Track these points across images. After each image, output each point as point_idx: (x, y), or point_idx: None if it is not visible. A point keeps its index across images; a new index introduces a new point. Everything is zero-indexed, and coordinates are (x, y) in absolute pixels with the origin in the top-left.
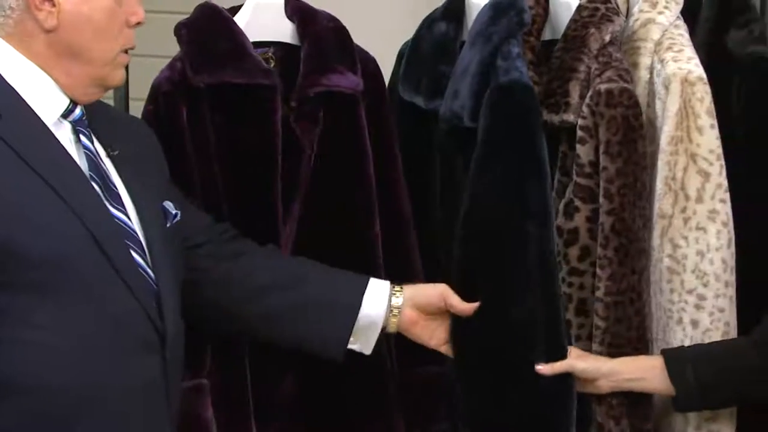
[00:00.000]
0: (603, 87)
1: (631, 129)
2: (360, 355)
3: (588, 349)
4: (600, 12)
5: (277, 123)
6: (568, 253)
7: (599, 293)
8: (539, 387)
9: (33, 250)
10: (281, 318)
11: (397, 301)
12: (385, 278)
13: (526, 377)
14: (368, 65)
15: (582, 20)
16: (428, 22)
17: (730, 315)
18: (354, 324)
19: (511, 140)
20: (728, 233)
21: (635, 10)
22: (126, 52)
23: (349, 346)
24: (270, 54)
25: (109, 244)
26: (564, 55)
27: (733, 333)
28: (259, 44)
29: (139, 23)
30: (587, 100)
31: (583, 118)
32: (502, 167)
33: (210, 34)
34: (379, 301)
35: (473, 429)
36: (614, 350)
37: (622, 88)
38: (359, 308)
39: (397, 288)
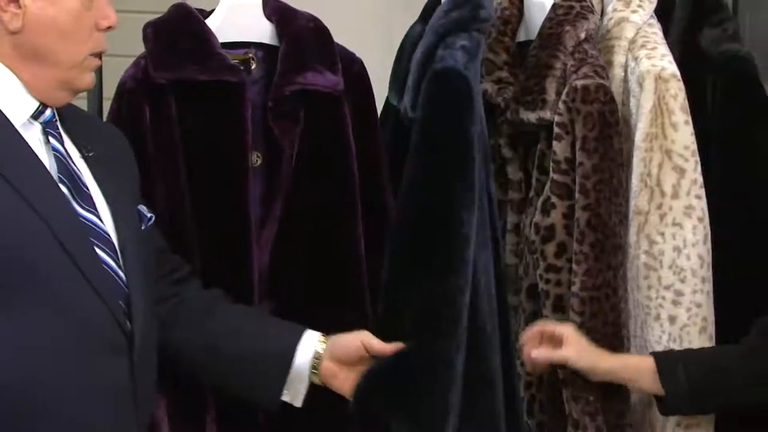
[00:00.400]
0: (579, 83)
1: (608, 125)
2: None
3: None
4: (575, 10)
5: (247, 121)
6: (545, 250)
7: (575, 288)
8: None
9: None
10: (215, 372)
11: (319, 352)
12: (368, 279)
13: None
14: (353, 66)
15: (557, 18)
16: (412, 25)
17: (708, 310)
18: (287, 376)
19: (442, 128)
20: (704, 229)
21: (609, 9)
22: (99, 56)
23: (282, 398)
24: (251, 55)
25: (74, 245)
26: (540, 53)
27: (710, 329)
28: (239, 45)
29: (110, 27)
30: (563, 96)
31: (559, 114)
32: (432, 156)
33: (176, 33)
34: (306, 352)
35: None
36: None
37: (598, 84)
38: (292, 360)
39: (322, 338)
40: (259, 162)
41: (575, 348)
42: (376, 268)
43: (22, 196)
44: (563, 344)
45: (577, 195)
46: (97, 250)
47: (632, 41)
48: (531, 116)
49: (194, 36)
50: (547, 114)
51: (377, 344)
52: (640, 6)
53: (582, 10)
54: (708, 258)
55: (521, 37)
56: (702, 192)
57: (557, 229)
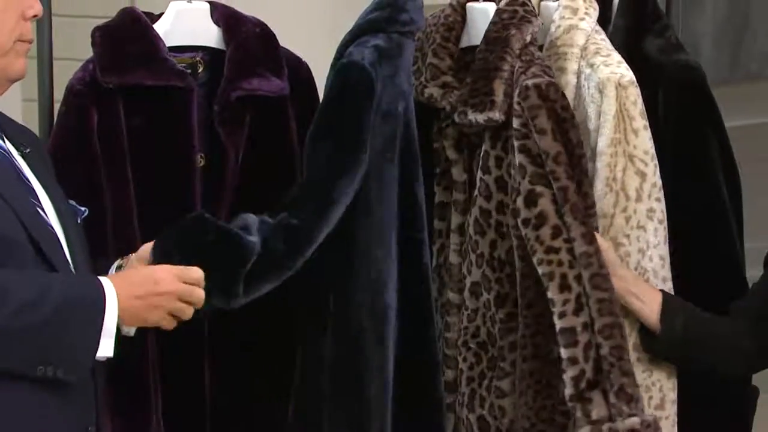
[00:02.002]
0: (530, 82)
1: (562, 120)
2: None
3: (573, 326)
4: (519, 14)
5: (194, 125)
6: (540, 235)
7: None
8: None
9: None
10: None
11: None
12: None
13: None
14: (299, 70)
15: (502, 22)
16: None
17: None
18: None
19: (337, 115)
20: (663, 230)
21: (556, 16)
22: (28, 43)
23: None
24: (198, 58)
25: (47, 245)
26: (487, 55)
27: None
28: (187, 48)
29: (35, 16)
30: (516, 97)
31: (518, 116)
32: (324, 145)
33: (123, 38)
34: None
35: None
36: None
37: (549, 82)
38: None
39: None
40: (203, 163)
41: (608, 243)
42: (320, 263)
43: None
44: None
45: (552, 182)
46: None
47: (584, 48)
48: (479, 117)
49: (141, 40)
50: (495, 114)
51: None
52: (587, 14)
53: (526, 14)
54: (667, 258)
55: (464, 42)
56: (661, 195)
57: (548, 214)
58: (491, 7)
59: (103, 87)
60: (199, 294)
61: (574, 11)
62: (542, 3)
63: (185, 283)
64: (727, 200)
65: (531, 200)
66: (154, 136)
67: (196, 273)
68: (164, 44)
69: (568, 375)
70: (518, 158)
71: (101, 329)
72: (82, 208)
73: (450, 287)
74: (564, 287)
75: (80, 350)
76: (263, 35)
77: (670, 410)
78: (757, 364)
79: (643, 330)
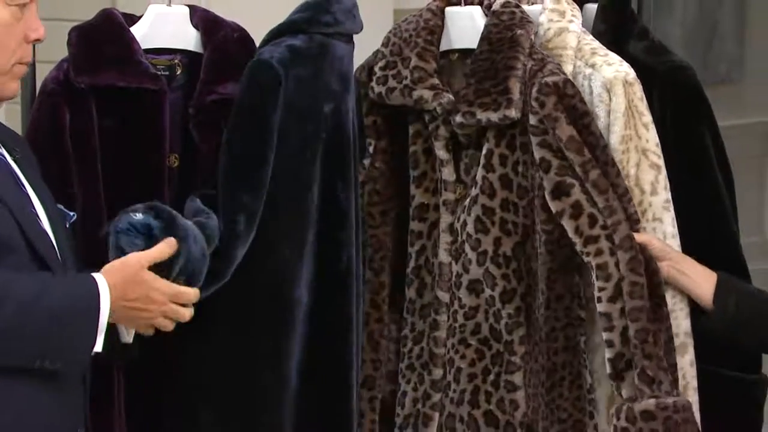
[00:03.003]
0: (549, 80)
1: (583, 113)
2: None
3: (610, 312)
4: (518, 15)
5: (165, 127)
6: (579, 225)
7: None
8: None
9: None
10: None
11: None
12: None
13: None
14: None
15: (504, 24)
16: None
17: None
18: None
19: (244, 113)
20: (675, 220)
21: (543, 19)
22: (26, 65)
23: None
24: (176, 61)
25: (43, 248)
26: (493, 56)
27: (687, 309)
28: (164, 51)
29: (38, 40)
30: (534, 93)
31: (535, 113)
32: (234, 136)
33: (99, 39)
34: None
35: None
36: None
37: (565, 79)
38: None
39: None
40: (176, 164)
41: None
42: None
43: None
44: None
45: (580, 173)
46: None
47: (578, 49)
48: (493, 116)
49: (117, 42)
50: (512, 112)
51: None
52: (574, 16)
53: (524, 15)
54: (679, 248)
55: (444, 46)
56: (669, 186)
57: (583, 203)
58: (477, 11)
59: (76, 87)
60: (185, 314)
61: (562, 14)
62: (524, 7)
63: (176, 303)
64: (725, 196)
65: (562, 191)
66: (126, 137)
67: (191, 296)
68: (140, 46)
69: (606, 356)
70: (539, 154)
71: (98, 326)
72: (71, 213)
73: (439, 286)
74: (605, 275)
75: (79, 347)
76: (241, 39)
77: (693, 397)
78: None
79: (697, 310)
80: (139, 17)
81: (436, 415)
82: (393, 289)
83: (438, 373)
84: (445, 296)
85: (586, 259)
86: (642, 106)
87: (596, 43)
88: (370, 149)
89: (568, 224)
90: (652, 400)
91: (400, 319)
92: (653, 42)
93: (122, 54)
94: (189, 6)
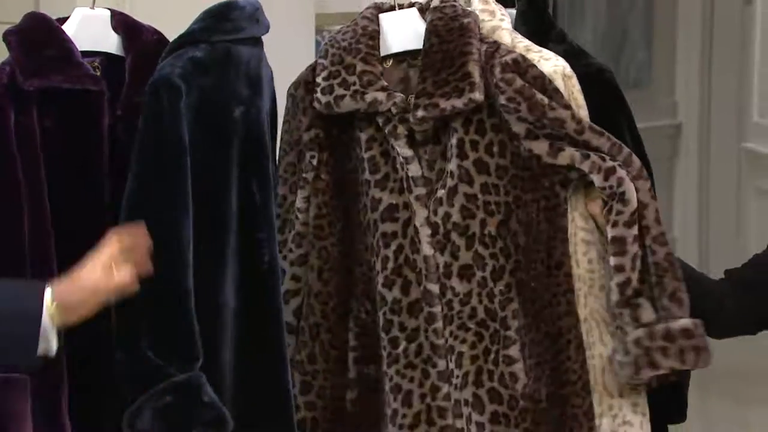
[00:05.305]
0: (508, 58)
1: (548, 80)
2: None
3: (624, 236)
4: (459, 7)
5: (104, 129)
6: (594, 162)
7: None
8: None
9: None
10: None
11: None
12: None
13: None
14: None
15: (448, 16)
16: None
17: None
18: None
19: (151, 136)
20: None
21: None
22: None
23: None
24: (96, 63)
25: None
26: (446, 46)
27: None
28: (86, 53)
29: None
30: (499, 74)
31: (503, 91)
32: (142, 161)
33: (39, 41)
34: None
35: None
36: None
37: (522, 55)
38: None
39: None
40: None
41: None
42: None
43: None
44: None
45: (573, 125)
46: None
47: (513, 47)
48: (457, 102)
49: (56, 45)
50: (476, 95)
51: None
52: (504, 15)
53: (464, 7)
54: None
55: (382, 51)
56: None
57: (575, 157)
58: (413, 12)
59: (18, 89)
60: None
61: (492, 14)
62: None
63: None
64: None
65: (554, 152)
66: (66, 138)
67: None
68: (77, 48)
69: (614, 281)
70: (516, 128)
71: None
72: None
73: (428, 279)
74: (623, 200)
75: (22, 355)
76: (160, 42)
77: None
78: (733, 326)
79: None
80: (59, 20)
81: (450, 405)
82: (341, 300)
83: (442, 364)
84: (435, 288)
85: (608, 192)
86: (580, 98)
87: (528, 41)
88: (314, 162)
89: (583, 165)
90: (688, 320)
91: (346, 330)
92: (572, 45)
93: (63, 56)
94: (110, 9)
